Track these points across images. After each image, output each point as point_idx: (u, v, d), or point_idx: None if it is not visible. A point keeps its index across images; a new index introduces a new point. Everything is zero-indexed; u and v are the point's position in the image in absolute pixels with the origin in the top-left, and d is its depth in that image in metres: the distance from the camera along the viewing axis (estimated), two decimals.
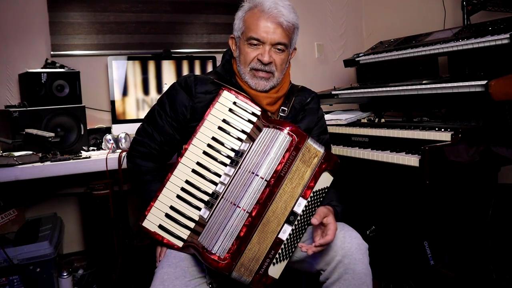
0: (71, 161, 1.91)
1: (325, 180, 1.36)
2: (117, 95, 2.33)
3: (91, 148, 2.20)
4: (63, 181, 2.33)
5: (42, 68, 2.24)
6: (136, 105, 2.37)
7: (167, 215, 1.35)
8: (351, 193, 2.35)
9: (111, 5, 2.56)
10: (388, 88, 2.02)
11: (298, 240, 1.34)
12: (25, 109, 2.00)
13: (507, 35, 1.67)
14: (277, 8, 1.38)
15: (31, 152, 1.86)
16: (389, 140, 1.81)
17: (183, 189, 1.35)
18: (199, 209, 1.34)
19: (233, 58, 1.51)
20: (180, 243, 1.35)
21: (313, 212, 1.34)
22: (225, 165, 1.34)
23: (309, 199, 1.32)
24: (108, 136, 2.11)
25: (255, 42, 1.41)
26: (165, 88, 2.36)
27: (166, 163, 1.53)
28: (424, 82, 1.92)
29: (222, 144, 1.36)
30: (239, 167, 1.31)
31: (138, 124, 1.56)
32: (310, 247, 1.24)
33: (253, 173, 1.27)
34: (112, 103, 2.32)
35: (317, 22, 3.19)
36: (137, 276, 2.17)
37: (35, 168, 1.81)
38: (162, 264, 1.32)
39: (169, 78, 2.44)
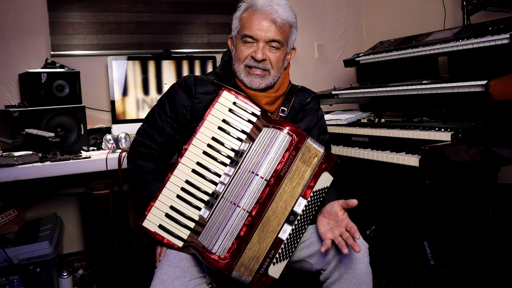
0: (71, 161, 1.91)
1: (325, 180, 1.36)
2: (117, 95, 2.33)
3: (91, 148, 2.20)
4: (63, 181, 2.33)
5: (42, 68, 2.24)
6: (136, 105, 2.38)
7: (167, 215, 1.35)
8: (351, 193, 2.34)
9: (111, 5, 2.56)
10: (388, 88, 2.02)
11: (298, 240, 1.34)
12: (25, 109, 2.00)
13: (507, 35, 1.67)
14: (271, 5, 1.39)
15: (31, 152, 1.86)
16: (389, 140, 1.81)
17: (183, 189, 1.35)
18: (199, 209, 1.34)
19: (231, 59, 1.51)
20: (180, 243, 1.35)
21: (313, 212, 1.35)
22: (225, 165, 1.34)
23: (309, 198, 1.32)
24: (108, 136, 2.11)
25: (249, 39, 1.41)
26: (165, 88, 2.36)
27: (166, 163, 1.53)
28: (424, 82, 1.92)
29: (222, 144, 1.36)
30: (239, 167, 1.31)
31: (138, 124, 1.56)
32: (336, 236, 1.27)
33: (253, 172, 1.27)
34: (112, 103, 2.32)
35: (317, 22, 3.19)
36: (137, 276, 2.17)
37: (35, 168, 1.81)
38: (162, 264, 1.32)
39: (169, 78, 2.44)
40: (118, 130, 2.21)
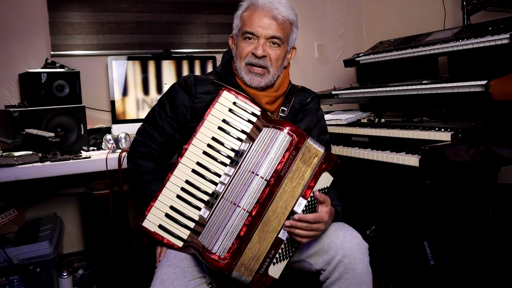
0: (71, 161, 1.91)
1: (325, 180, 1.36)
2: (117, 95, 2.33)
3: (91, 148, 2.20)
4: (63, 181, 2.33)
5: (42, 68, 2.24)
6: (136, 105, 2.37)
7: (167, 215, 1.35)
8: (351, 193, 2.35)
9: (111, 5, 2.56)
10: (388, 88, 2.02)
11: None
12: (25, 109, 2.00)
13: (507, 35, 1.67)
14: (272, 3, 1.41)
15: (31, 152, 1.86)
16: (389, 140, 1.81)
17: (183, 189, 1.35)
18: (199, 209, 1.34)
19: (232, 58, 1.51)
20: (180, 243, 1.35)
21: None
22: (225, 165, 1.34)
23: (309, 199, 1.32)
24: (108, 136, 2.11)
25: (250, 36, 1.42)
26: (165, 88, 2.36)
27: (167, 163, 1.53)
28: (424, 82, 1.92)
29: (222, 144, 1.36)
30: (239, 167, 1.31)
31: (138, 124, 1.56)
32: (289, 221, 1.26)
33: (253, 172, 1.27)
34: (112, 103, 2.32)
35: (317, 22, 3.19)
36: (137, 276, 2.17)
37: (35, 168, 1.81)
38: (162, 264, 1.32)
39: (169, 78, 2.44)
40: (118, 130, 2.21)
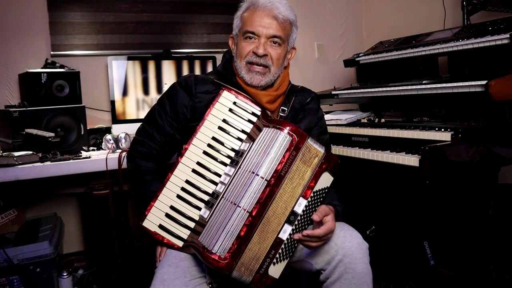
0: (71, 161, 1.91)
1: (326, 180, 1.36)
2: (117, 95, 2.33)
3: (91, 148, 2.20)
4: (63, 181, 2.33)
5: (42, 68, 2.24)
6: (136, 105, 2.38)
7: (167, 215, 1.35)
8: (351, 193, 2.35)
9: (111, 5, 2.56)
10: (388, 88, 2.02)
11: None
12: (25, 109, 2.00)
13: (507, 35, 1.67)
14: (272, 2, 1.42)
15: (31, 152, 1.86)
16: (389, 140, 1.81)
17: (183, 189, 1.35)
18: (199, 208, 1.34)
19: (232, 58, 1.52)
20: (180, 243, 1.35)
21: (314, 212, 1.35)
22: (225, 165, 1.34)
23: (309, 199, 1.32)
24: (108, 136, 2.11)
25: (250, 35, 1.42)
26: (165, 88, 2.36)
27: (167, 163, 1.53)
28: (424, 82, 1.92)
29: (222, 144, 1.36)
30: (239, 167, 1.31)
31: (138, 124, 1.56)
32: (299, 234, 1.25)
33: (253, 172, 1.27)
34: (112, 103, 2.32)
35: (317, 22, 3.19)
36: (137, 276, 2.17)
37: (35, 168, 1.81)
38: (162, 264, 1.32)
39: (169, 78, 2.44)
40: (118, 130, 2.22)
